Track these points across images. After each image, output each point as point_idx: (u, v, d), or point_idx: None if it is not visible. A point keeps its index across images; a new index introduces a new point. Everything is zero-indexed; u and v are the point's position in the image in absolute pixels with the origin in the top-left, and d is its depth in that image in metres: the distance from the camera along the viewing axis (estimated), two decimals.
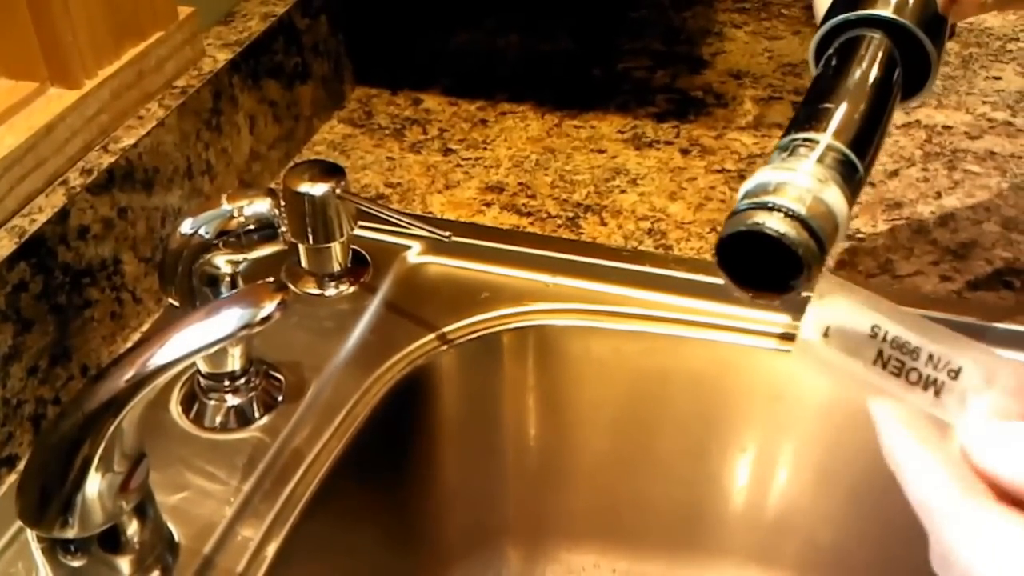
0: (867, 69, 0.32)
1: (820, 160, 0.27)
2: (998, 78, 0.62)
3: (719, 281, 0.46)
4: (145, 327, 0.46)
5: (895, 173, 0.54)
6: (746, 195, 0.27)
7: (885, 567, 0.48)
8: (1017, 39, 0.66)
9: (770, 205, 0.26)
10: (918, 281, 0.47)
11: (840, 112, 0.29)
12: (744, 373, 0.46)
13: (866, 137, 0.29)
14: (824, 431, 0.47)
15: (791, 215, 0.26)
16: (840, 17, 0.33)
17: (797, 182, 0.27)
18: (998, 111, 0.59)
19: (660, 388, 0.47)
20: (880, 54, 0.32)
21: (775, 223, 0.26)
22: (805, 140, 0.28)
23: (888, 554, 0.47)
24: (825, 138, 0.28)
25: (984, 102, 0.60)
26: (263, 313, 0.28)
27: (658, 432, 0.48)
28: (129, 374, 0.29)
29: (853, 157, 0.28)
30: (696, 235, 0.51)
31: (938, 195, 0.53)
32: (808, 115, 0.29)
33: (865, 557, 0.48)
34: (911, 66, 0.33)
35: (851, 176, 0.28)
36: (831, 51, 0.33)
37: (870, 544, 0.48)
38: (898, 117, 0.58)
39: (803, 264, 0.26)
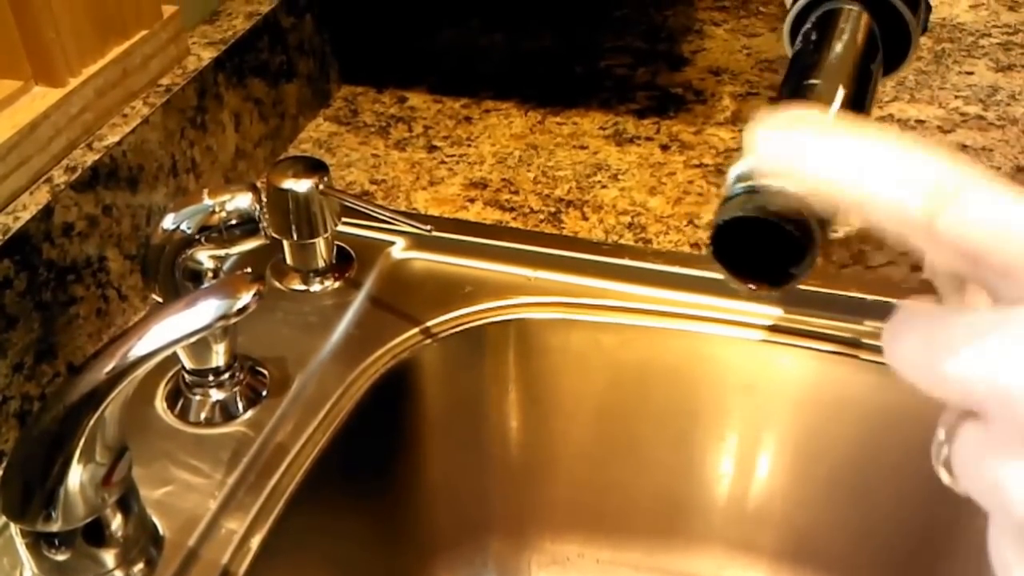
0: (849, 42, 0.31)
1: None
2: (970, 73, 0.63)
3: (697, 273, 0.48)
4: (131, 324, 0.46)
5: None
6: (739, 178, 0.24)
7: (864, 552, 0.49)
8: (989, 35, 0.67)
9: (767, 188, 0.24)
10: (890, 271, 0.48)
11: (825, 88, 0.28)
12: (722, 363, 0.47)
13: (854, 113, 0.28)
14: (802, 420, 0.48)
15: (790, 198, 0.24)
16: None
17: None
18: (970, 105, 0.60)
19: (640, 379, 0.48)
20: (860, 26, 0.31)
21: (775, 207, 0.23)
22: None
23: (867, 539, 0.48)
24: None
25: (956, 97, 0.61)
26: (240, 304, 0.29)
27: (638, 423, 0.49)
28: (109, 366, 0.29)
29: None
30: (675, 228, 0.51)
31: None
32: (793, 92, 0.28)
33: (844, 543, 0.49)
34: (890, 38, 0.32)
35: None
36: (809, 26, 0.32)
37: (849, 530, 0.49)
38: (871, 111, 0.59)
39: (804, 249, 0.24)
